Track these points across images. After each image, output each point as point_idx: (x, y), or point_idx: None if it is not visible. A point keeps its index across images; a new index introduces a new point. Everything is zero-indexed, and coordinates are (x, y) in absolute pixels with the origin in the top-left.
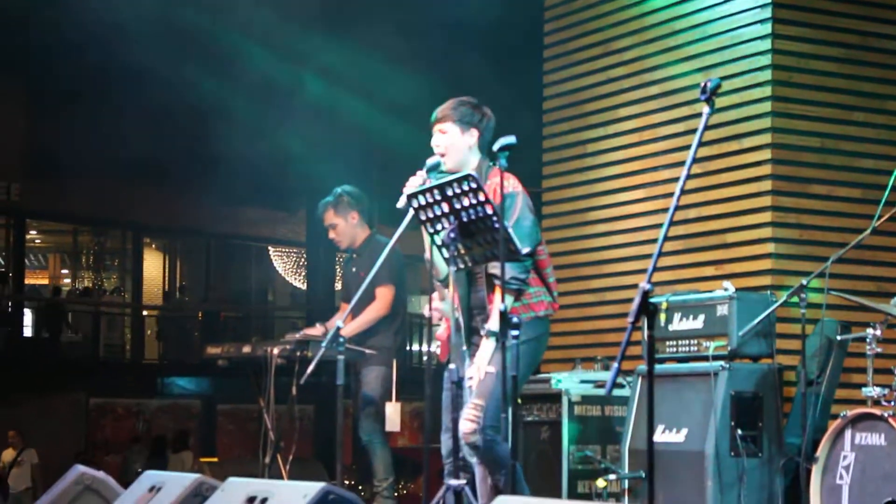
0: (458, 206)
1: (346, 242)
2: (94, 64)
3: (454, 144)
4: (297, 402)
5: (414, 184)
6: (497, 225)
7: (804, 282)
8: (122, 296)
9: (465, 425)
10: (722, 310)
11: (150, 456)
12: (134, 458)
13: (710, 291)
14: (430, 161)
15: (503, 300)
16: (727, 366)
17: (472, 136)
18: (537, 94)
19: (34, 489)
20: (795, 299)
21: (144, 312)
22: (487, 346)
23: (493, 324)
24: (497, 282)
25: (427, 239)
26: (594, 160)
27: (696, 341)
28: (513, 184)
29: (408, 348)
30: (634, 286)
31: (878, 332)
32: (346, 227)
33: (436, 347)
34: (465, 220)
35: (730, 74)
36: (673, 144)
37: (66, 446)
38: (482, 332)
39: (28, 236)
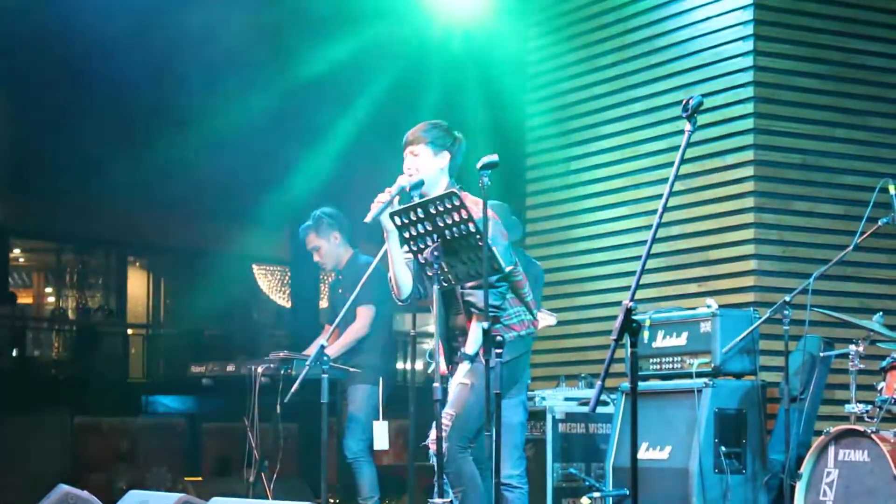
0: (441, 224)
1: (332, 263)
2: (79, 82)
3: (426, 167)
4: (282, 421)
5: (381, 200)
6: (480, 243)
7: (787, 298)
8: (106, 314)
9: (433, 432)
10: (705, 327)
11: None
12: (119, 476)
13: (693, 308)
14: (402, 181)
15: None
16: (711, 383)
17: (444, 158)
18: (521, 111)
19: None
20: (778, 316)
21: (129, 331)
22: (463, 369)
23: (470, 347)
24: (475, 311)
25: (391, 257)
26: (578, 177)
27: (679, 358)
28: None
29: (394, 366)
30: (618, 303)
31: (861, 349)
32: (330, 249)
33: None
34: (448, 238)
35: (712, 91)
36: (656, 161)
37: (51, 465)
38: (458, 356)
39: (11, 255)
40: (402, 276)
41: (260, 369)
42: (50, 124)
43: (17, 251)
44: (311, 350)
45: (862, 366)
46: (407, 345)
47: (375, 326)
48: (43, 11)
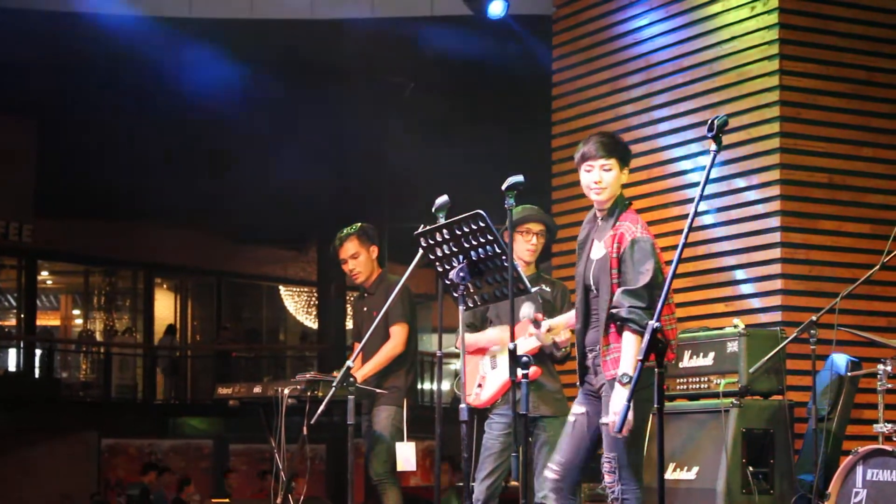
0: (466, 244)
1: (364, 276)
2: (104, 105)
3: (613, 182)
4: (309, 442)
5: None
6: (506, 263)
7: (814, 318)
8: (133, 336)
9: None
10: (732, 347)
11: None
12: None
13: (720, 328)
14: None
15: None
16: (738, 403)
17: (625, 175)
18: (545, 132)
19: None
20: (806, 335)
21: (156, 353)
22: (620, 392)
23: (627, 365)
24: (623, 323)
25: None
26: None
27: (706, 378)
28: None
29: (418, 387)
30: None
31: (889, 368)
32: (367, 260)
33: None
34: (474, 258)
35: (738, 111)
36: (682, 181)
37: (79, 487)
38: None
39: (39, 277)
40: None
41: (286, 391)
42: (77, 149)
43: (44, 274)
44: None
45: (890, 385)
46: (434, 366)
47: (406, 346)
48: (69, 38)
